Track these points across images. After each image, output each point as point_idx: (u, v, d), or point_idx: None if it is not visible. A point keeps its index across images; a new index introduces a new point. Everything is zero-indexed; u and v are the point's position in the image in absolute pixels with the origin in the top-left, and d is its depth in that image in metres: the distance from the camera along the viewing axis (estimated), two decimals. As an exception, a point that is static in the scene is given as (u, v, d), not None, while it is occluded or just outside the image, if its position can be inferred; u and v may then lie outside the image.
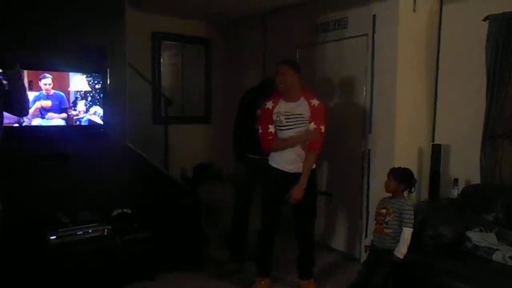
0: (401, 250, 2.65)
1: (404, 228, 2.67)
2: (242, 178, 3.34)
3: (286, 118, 2.86)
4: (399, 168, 2.85)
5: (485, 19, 3.13)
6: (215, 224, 3.99)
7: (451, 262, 2.61)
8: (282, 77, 2.86)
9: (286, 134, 2.88)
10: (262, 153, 3.13)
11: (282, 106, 2.89)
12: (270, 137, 2.91)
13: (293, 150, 2.88)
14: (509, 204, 2.87)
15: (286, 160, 2.90)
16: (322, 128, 2.87)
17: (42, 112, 3.10)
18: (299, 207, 2.94)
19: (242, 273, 3.35)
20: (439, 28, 3.53)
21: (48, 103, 3.11)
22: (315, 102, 2.88)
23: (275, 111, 2.89)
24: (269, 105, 2.91)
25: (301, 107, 2.87)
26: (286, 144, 2.88)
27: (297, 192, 2.84)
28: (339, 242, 3.86)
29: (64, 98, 3.18)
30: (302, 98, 2.89)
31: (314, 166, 2.95)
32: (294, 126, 2.86)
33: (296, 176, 2.86)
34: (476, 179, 3.25)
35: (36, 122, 3.08)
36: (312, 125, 2.86)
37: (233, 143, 3.37)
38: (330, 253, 3.80)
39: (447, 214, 3.01)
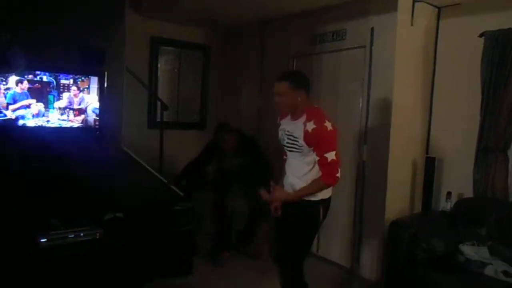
0: None
1: None
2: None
3: (287, 137, 2.44)
4: None
5: (480, 35, 3.17)
6: (207, 233, 3.96)
7: (443, 276, 2.62)
8: (278, 98, 2.38)
9: (289, 155, 2.51)
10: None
11: (286, 124, 2.48)
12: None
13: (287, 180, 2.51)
14: (501, 218, 2.89)
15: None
16: (328, 156, 2.31)
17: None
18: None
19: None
20: (436, 42, 3.57)
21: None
22: (309, 127, 2.29)
23: (281, 127, 2.52)
24: (279, 119, 2.59)
25: (298, 130, 2.36)
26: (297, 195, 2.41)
27: (278, 194, 2.44)
28: (332, 254, 3.84)
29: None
30: (302, 117, 2.36)
31: (316, 197, 2.41)
32: (290, 149, 2.44)
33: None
34: (469, 193, 3.27)
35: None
36: (315, 157, 2.35)
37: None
38: (323, 264, 3.80)
39: (440, 227, 3.02)
